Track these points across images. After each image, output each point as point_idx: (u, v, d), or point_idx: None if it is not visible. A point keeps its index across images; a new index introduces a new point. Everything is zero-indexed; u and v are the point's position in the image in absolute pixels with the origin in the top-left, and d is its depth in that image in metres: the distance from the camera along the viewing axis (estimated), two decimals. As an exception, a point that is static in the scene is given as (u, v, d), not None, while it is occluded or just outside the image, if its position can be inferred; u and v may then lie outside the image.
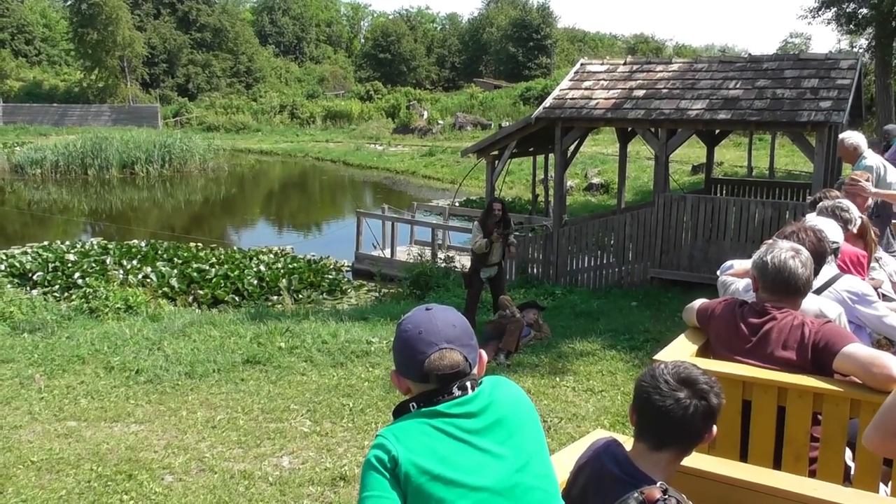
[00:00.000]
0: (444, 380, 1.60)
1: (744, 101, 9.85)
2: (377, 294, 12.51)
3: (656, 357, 2.41)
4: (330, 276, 13.51)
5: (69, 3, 51.86)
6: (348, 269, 14.65)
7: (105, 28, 48.96)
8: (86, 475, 4.67)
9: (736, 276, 3.13)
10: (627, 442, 1.88)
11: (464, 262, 12.70)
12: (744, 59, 11.26)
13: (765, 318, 2.56)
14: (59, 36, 58.14)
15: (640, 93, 10.63)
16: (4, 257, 14.18)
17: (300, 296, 12.07)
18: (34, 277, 12.60)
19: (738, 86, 10.15)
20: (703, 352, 2.77)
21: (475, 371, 1.67)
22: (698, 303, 2.90)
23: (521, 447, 1.62)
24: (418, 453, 1.55)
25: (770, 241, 2.75)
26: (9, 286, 11.32)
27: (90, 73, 51.34)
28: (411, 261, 13.23)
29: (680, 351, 2.67)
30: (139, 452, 5.00)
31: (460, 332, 1.65)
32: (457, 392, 1.61)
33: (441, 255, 13.68)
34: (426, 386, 1.62)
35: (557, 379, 6.39)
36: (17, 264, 13.35)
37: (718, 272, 3.29)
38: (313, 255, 15.14)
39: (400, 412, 1.65)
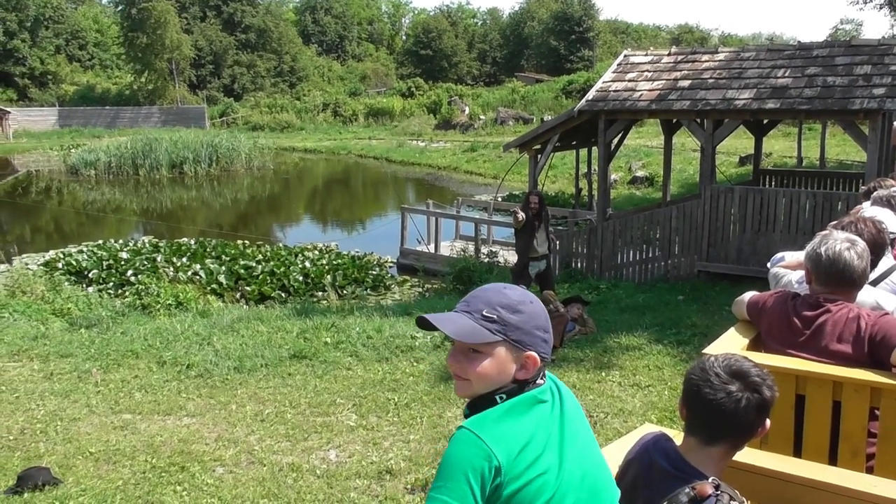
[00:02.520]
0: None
1: (793, 89, 9.59)
2: (420, 289, 12.57)
3: (706, 350, 2.37)
4: (374, 272, 13.62)
5: (120, 8, 53.30)
6: (391, 264, 14.75)
7: (154, 32, 50.18)
8: (141, 466, 4.81)
9: (788, 267, 3.05)
10: (676, 436, 1.85)
11: (507, 257, 12.67)
12: (793, 46, 10.95)
13: (819, 310, 2.50)
14: (111, 40, 59.79)
15: (686, 83, 10.44)
16: (62, 256, 14.70)
17: (345, 292, 12.20)
18: (90, 275, 13.02)
19: (787, 74, 9.88)
20: (755, 345, 2.71)
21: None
22: (748, 295, 2.84)
23: (586, 435, 1.61)
24: (520, 448, 1.46)
25: (825, 231, 2.67)
26: (66, 284, 11.70)
27: (140, 75, 52.71)
28: (455, 256, 13.26)
29: (730, 344, 2.62)
30: (191, 445, 5.13)
31: (545, 322, 1.61)
32: (540, 381, 1.58)
33: (484, 250, 13.66)
34: None
35: (603, 374, 6.34)
36: (74, 262, 13.81)
37: (769, 264, 3.21)
38: (357, 252, 15.29)
39: (482, 404, 1.54)
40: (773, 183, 13.77)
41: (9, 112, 45.65)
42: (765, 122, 13.40)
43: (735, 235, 9.92)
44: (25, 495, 4.36)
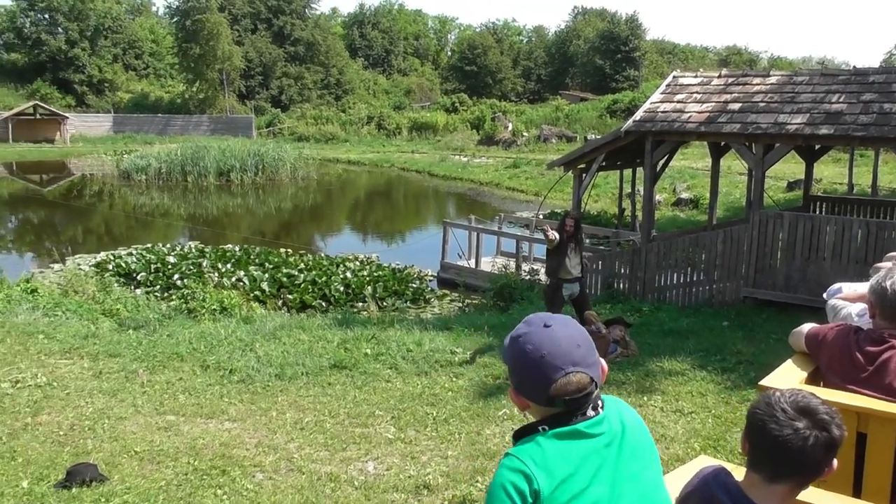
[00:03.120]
0: (571, 403, 1.54)
1: (848, 115, 9.37)
2: (460, 304, 12.58)
3: (763, 383, 2.32)
4: (414, 285, 13.68)
5: (175, 19, 54.88)
6: (431, 278, 14.79)
7: (207, 43, 51.53)
8: (183, 468, 4.90)
9: (847, 300, 2.98)
10: (735, 470, 1.81)
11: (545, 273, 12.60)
12: (848, 71, 10.72)
13: (883, 346, 2.43)
14: (166, 50, 61.56)
15: (736, 106, 10.29)
16: (112, 258, 15.11)
17: (384, 303, 12.28)
18: (138, 277, 13.35)
19: (841, 100, 9.67)
20: (813, 379, 2.65)
21: (600, 388, 1.61)
22: (807, 327, 2.77)
23: (650, 472, 1.59)
24: (562, 479, 1.48)
25: (889, 263, 2.60)
26: (116, 285, 12.02)
27: (192, 85, 54.12)
28: (496, 272, 13.24)
29: (788, 377, 2.56)
30: (232, 449, 5.20)
31: (585, 351, 1.57)
32: (591, 412, 1.55)
33: (525, 267, 13.62)
34: (551, 409, 1.56)
35: (645, 398, 6.25)
36: (123, 265, 14.19)
37: (825, 295, 3.14)
38: (398, 264, 15.38)
39: (525, 434, 1.57)
40: (824, 210, 13.45)
41: (67, 118, 47.26)
42: (816, 147, 13.13)
43: (783, 262, 9.71)
44: (74, 490, 4.48)
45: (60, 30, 52.73)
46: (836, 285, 3.16)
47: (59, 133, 46.68)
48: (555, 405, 1.54)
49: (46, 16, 52.94)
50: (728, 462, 1.82)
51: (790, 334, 2.89)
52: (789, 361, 2.74)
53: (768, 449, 1.65)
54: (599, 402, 1.58)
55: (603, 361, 1.63)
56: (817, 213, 12.93)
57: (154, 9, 71.34)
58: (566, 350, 1.54)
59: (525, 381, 1.57)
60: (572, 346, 1.56)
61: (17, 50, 53.67)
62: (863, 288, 3.00)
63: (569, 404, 1.54)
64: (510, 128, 46.02)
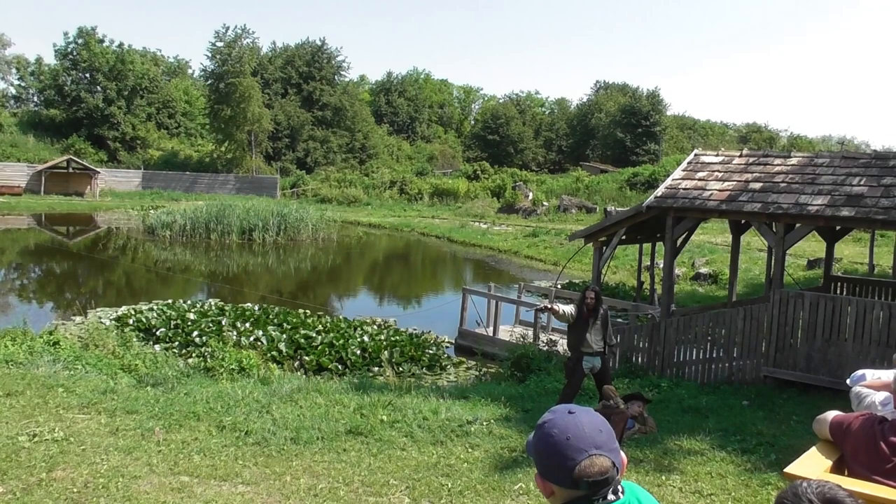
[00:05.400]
0: (594, 486, 1.61)
1: (869, 198, 9.44)
2: (477, 372, 12.50)
3: (788, 470, 2.32)
4: (430, 351, 13.65)
5: (209, 82, 56.83)
6: (448, 344, 14.75)
7: (238, 105, 53.18)
8: (196, 531, 4.85)
9: (871, 387, 2.98)
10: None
11: (566, 346, 12.53)
12: (868, 155, 10.85)
13: (907, 437, 2.43)
14: (198, 111, 63.54)
15: (757, 185, 10.41)
16: (133, 312, 15.27)
17: (401, 368, 12.24)
18: (157, 333, 13.46)
19: (862, 182, 9.76)
20: (838, 467, 2.63)
21: (621, 474, 1.68)
22: (831, 415, 2.77)
23: None
24: None
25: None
26: (135, 340, 12.12)
27: (221, 145, 55.57)
28: (514, 341, 13.19)
29: (813, 465, 2.55)
30: (245, 513, 5.15)
31: (607, 437, 1.66)
32: (611, 497, 1.63)
33: (543, 337, 13.57)
34: (575, 492, 1.63)
35: (663, 477, 6.13)
36: (144, 320, 14.33)
37: (849, 381, 3.14)
38: (415, 329, 15.39)
39: None
40: (845, 290, 13.37)
41: (98, 172, 48.60)
42: (837, 228, 13.16)
43: (804, 342, 9.61)
44: (85, 550, 4.45)
45: (99, 88, 54.77)
46: (860, 372, 3.16)
47: (89, 187, 47.91)
48: (579, 487, 1.61)
49: (87, 75, 55.09)
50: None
51: (814, 421, 2.88)
52: (814, 449, 2.73)
53: None
54: (620, 488, 1.65)
55: (622, 453, 1.71)
56: (838, 293, 12.84)
57: (190, 71, 74.04)
58: (590, 434, 1.63)
59: (550, 465, 1.65)
60: (595, 431, 1.64)
61: (56, 106, 55.69)
62: (886, 376, 3.00)
63: (592, 487, 1.61)
64: (530, 197, 46.52)
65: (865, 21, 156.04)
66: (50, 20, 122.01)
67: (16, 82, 61.73)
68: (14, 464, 5.75)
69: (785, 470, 2.26)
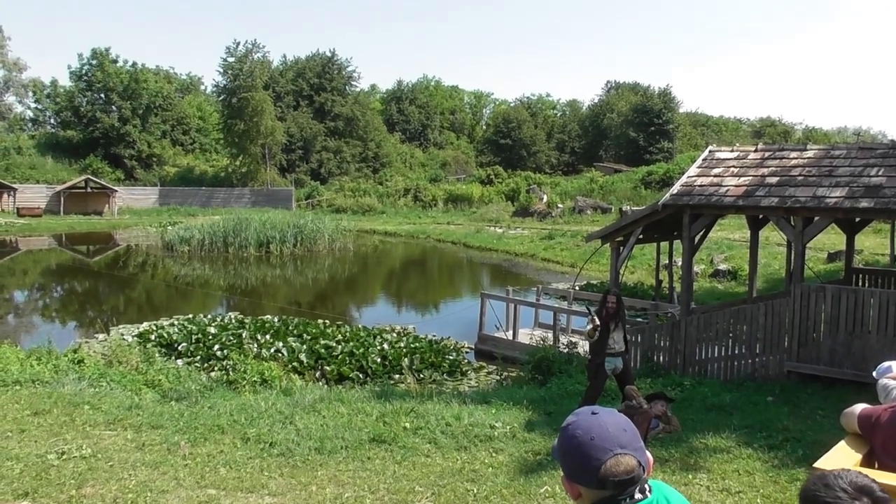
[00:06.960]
0: (620, 485, 1.61)
1: (888, 188, 9.33)
2: (498, 377, 12.49)
3: (817, 465, 2.31)
4: (450, 357, 13.65)
5: (222, 97, 57.40)
6: (468, 350, 14.75)
7: (251, 119, 53.68)
8: (224, 543, 4.89)
9: (896, 379, 2.95)
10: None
11: (586, 347, 12.49)
12: (885, 145, 10.72)
13: (935, 428, 2.40)
14: (211, 126, 64.17)
15: (774, 180, 10.33)
16: (155, 328, 15.42)
17: (422, 375, 12.25)
18: (179, 348, 13.58)
19: (880, 173, 9.65)
20: (868, 461, 2.61)
21: (647, 473, 1.68)
22: (859, 408, 2.75)
23: None
24: None
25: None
26: (158, 355, 12.24)
27: (235, 159, 56.06)
28: (533, 344, 13.17)
29: (843, 459, 2.53)
30: (273, 524, 5.18)
31: (631, 436, 1.66)
32: (638, 496, 1.62)
33: (563, 339, 13.52)
34: (601, 493, 1.63)
35: (690, 476, 6.09)
36: (165, 335, 14.47)
37: (875, 374, 3.11)
38: (434, 336, 15.40)
39: None
40: (867, 282, 13.23)
41: (116, 191, 49.23)
42: (857, 220, 13.02)
43: (827, 336, 9.51)
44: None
45: (114, 108, 55.51)
46: (886, 364, 3.13)
47: (107, 205, 48.53)
48: (605, 487, 1.61)
49: (102, 95, 55.86)
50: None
51: (841, 414, 2.86)
52: (842, 443, 2.71)
53: None
54: (647, 486, 1.65)
55: (649, 454, 1.71)
56: (860, 285, 12.70)
57: (202, 87, 74.80)
58: (614, 434, 1.64)
59: (576, 466, 1.65)
60: (619, 430, 1.65)
61: (72, 127, 56.50)
62: (912, 367, 2.97)
63: (618, 486, 1.60)
64: (545, 199, 46.45)
65: (878, 9, 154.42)
66: (64, 43, 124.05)
67: (33, 105, 62.77)
68: (44, 482, 5.82)
69: (814, 465, 2.25)
